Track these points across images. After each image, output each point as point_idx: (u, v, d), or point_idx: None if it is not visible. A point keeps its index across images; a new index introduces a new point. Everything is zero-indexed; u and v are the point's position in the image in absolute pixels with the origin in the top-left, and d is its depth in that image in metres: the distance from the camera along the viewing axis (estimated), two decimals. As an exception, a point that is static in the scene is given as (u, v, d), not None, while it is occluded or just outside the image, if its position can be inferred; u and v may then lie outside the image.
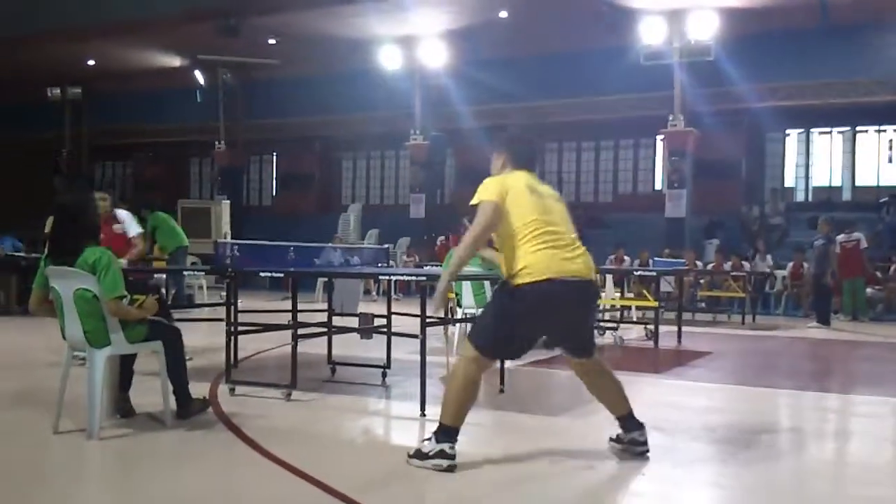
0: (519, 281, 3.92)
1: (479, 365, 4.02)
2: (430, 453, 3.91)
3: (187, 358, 4.98)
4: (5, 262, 11.61)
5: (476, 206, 4.02)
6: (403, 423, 5.27)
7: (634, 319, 10.88)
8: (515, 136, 4.47)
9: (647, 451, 4.14)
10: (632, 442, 4.16)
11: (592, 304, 4.27)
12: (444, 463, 3.90)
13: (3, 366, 7.18)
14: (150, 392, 4.94)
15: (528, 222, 3.96)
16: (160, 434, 4.55)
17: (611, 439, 4.26)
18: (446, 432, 3.95)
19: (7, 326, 10.37)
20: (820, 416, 5.89)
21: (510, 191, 4.01)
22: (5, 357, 7.76)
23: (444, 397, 4.03)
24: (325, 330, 6.47)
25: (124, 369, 4.91)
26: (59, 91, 25.16)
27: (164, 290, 8.00)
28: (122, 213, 7.74)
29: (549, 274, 3.88)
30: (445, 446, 3.92)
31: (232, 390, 5.65)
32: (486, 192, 4.02)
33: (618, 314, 10.69)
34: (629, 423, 4.17)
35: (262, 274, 6.42)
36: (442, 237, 19.23)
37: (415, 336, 5.19)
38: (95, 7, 19.40)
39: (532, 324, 4.00)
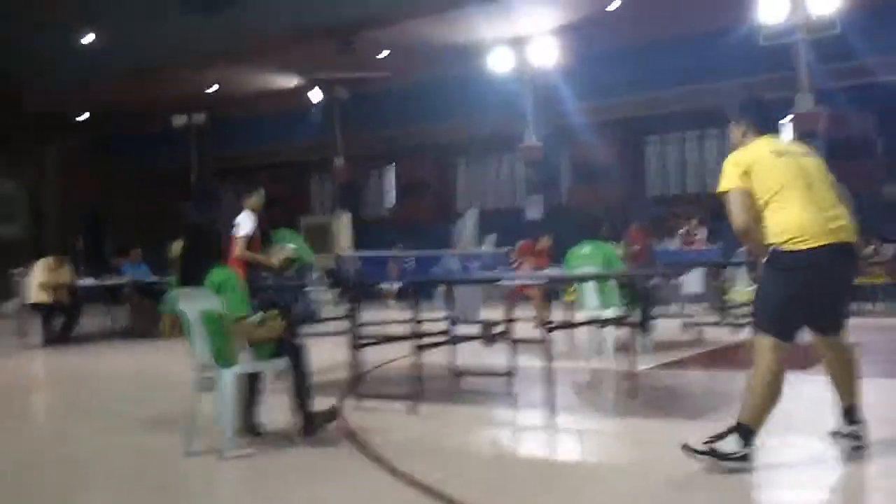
0: (787, 248, 3.74)
1: (779, 352, 3.77)
2: (736, 455, 3.71)
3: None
4: (143, 289, 12.10)
5: (725, 194, 3.89)
6: (533, 433, 5.11)
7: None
8: (750, 101, 4.30)
9: (863, 446, 3.91)
10: (851, 435, 3.95)
11: (854, 270, 4.07)
12: (748, 465, 3.72)
13: (142, 389, 7.44)
14: (277, 409, 4.96)
15: (783, 186, 3.80)
16: (289, 452, 4.55)
17: (832, 433, 4.05)
18: (746, 433, 3.73)
19: (147, 350, 10.71)
20: None
21: (753, 164, 3.88)
22: (145, 381, 8.03)
23: (746, 394, 3.83)
24: (447, 339, 6.38)
25: (252, 387, 4.95)
26: (184, 118, 26.23)
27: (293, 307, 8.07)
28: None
29: (816, 239, 3.71)
30: (750, 449, 3.73)
31: (358, 404, 5.63)
32: (726, 181, 3.90)
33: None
34: (852, 415, 3.96)
35: (382, 285, 6.38)
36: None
37: (539, 341, 5.03)
38: (217, 35, 20.12)
39: (806, 293, 3.77)
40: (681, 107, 20.01)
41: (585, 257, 7.81)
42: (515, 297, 8.26)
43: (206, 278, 4.48)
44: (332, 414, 4.98)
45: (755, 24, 17.15)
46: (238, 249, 6.64)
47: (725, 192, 3.89)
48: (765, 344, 3.77)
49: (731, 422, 3.77)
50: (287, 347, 4.74)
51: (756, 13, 16.99)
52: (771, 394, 3.72)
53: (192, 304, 4.49)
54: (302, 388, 4.74)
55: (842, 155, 18.13)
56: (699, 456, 3.71)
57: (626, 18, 18.29)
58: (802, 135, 17.62)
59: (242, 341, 4.47)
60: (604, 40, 19.49)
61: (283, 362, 4.67)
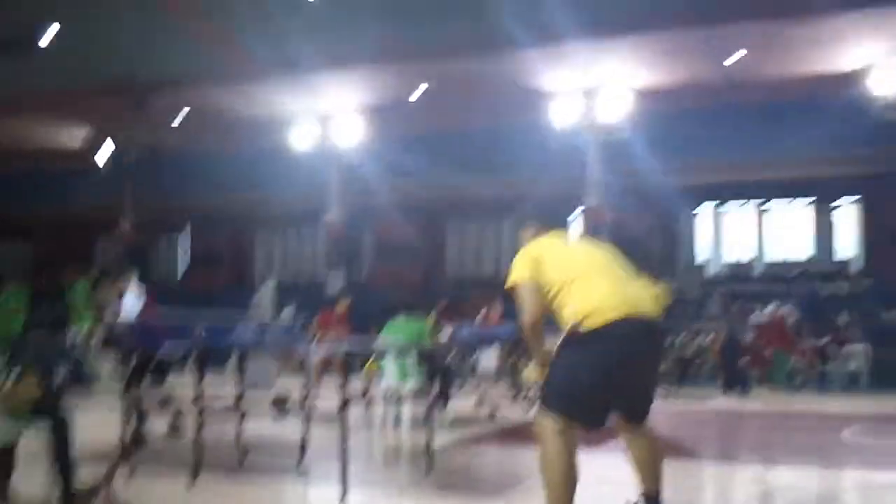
0: (585, 326, 3.57)
1: (565, 435, 3.53)
2: None
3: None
4: None
5: (514, 288, 3.79)
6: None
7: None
8: (532, 207, 4.32)
9: None
10: None
11: (659, 348, 3.95)
12: None
13: None
14: (36, 482, 4.35)
15: (577, 269, 3.74)
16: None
17: None
18: None
19: None
20: (743, 489, 5.63)
21: (543, 253, 3.82)
22: None
23: (543, 484, 3.58)
24: (235, 410, 5.95)
25: (5, 457, 4.32)
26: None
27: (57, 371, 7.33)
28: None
29: (614, 311, 3.57)
30: None
31: (130, 478, 5.07)
32: (515, 274, 3.80)
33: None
34: (653, 499, 3.87)
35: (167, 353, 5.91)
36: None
37: (334, 414, 4.77)
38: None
39: (605, 371, 3.57)
40: (478, 195, 20.72)
41: (399, 329, 7.74)
42: (318, 369, 8.02)
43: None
44: (97, 489, 4.44)
45: (548, 123, 18.23)
46: None
47: (515, 286, 3.79)
48: (550, 427, 3.57)
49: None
50: (46, 412, 4.19)
51: (549, 113, 18.10)
52: (565, 477, 3.53)
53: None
54: (62, 460, 4.19)
55: (623, 252, 19.34)
56: None
57: (428, 107, 18.84)
58: (591, 229, 18.72)
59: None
60: (407, 125, 19.95)
61: (39, 431, 4.11)
